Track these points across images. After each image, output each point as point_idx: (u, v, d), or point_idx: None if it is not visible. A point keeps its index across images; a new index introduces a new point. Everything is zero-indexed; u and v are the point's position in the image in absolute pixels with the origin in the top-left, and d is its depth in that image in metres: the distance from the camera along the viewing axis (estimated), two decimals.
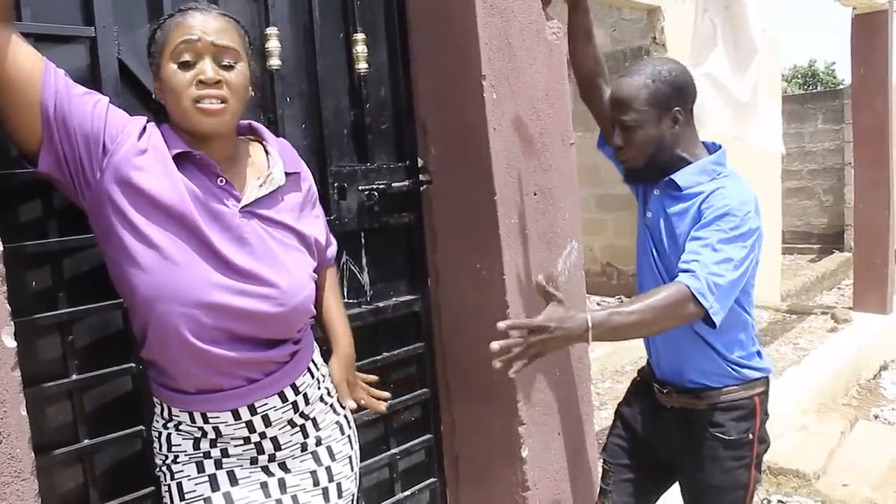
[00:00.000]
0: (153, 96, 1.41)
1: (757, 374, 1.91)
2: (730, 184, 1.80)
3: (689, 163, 1.86)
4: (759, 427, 1.90)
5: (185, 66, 1.31)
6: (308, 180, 1.54)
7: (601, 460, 2.14)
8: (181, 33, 1.31)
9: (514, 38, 2.13)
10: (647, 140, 1.83)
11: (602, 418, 4.09)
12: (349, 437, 1.59)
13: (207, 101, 1.32)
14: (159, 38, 1.34)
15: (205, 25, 1.32)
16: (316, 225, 1.54)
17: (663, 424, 1.97)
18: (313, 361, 1.53)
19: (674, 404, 1.93)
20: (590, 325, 1.60)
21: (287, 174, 1.46)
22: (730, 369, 1.88)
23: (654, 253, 1.91)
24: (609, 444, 2.10)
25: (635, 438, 2.04)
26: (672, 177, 1.85)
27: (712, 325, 1.68)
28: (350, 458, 1.58)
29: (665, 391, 1.94)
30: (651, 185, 1.94)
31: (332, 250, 1.69)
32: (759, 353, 1.94)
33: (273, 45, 1.83)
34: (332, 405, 1.57)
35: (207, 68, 1.31)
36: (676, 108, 1.83)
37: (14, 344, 1.16)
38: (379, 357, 2.14)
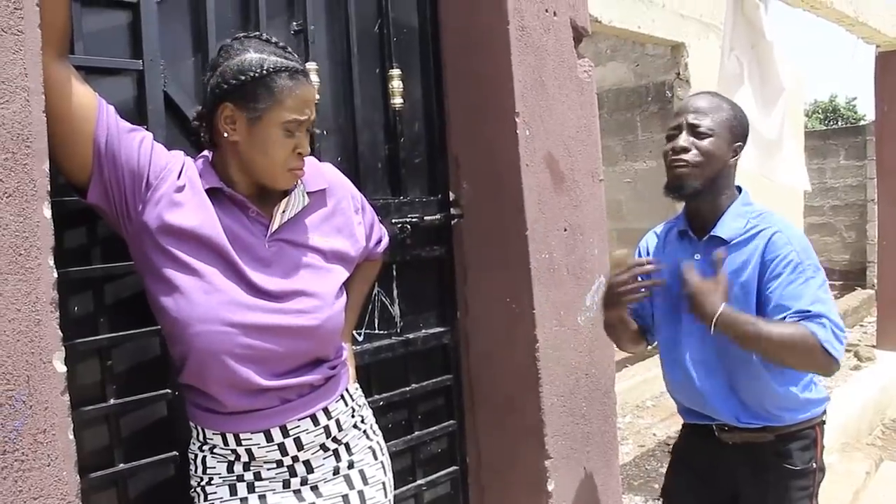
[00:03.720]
0: (219, 135, 1.39)
1: (817, 404, 1.91)
2: (777, 226, 1.82)
3: (727, 205, 1.87)
4: (819, 456, 1.91)
5: (288, 134, 1.37)
6: (336, 194, 1.56)
7: (659, 502, 2.11)
8: (296, 108, 1.36)
9: (547, 76, 2.17)
10: (714, 152, 1.81)
11: (622, 453, 4.07)
12: (382, 462, 1.60)
13: (297, 169, 1.41)
14: (262, 94, 1.34)
15: (311, 99, 1.40)
16: (353, 233, 1.57)
17: (726, 460, 1.92)
18: (347, 391, 1.55)
19: (736, 440, 1.89)
20: (719, 312, 1.71)
21: (310, 193, 1.50)
22: (795, 402, 1.87)
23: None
24: (670, 487, 2.09)
25: (699, 480, 1.99)
26: (714, 233, 1.85)
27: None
28: (384, 483, 1.59)
29: (727, 429, 1.89)
30: (685, 253, 1.92)
31: (382, 244, 1.74)
32: (814, 382, 1.93)
33: (312, 79, 1.86)
34: (365, 431, 1.59)
35: (306, 143, 1.41)
36: (739, 143, 1.88)
37: (64, 369, 1.20)
38: (408, 388, 2.15)
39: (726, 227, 1.84)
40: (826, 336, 1.66)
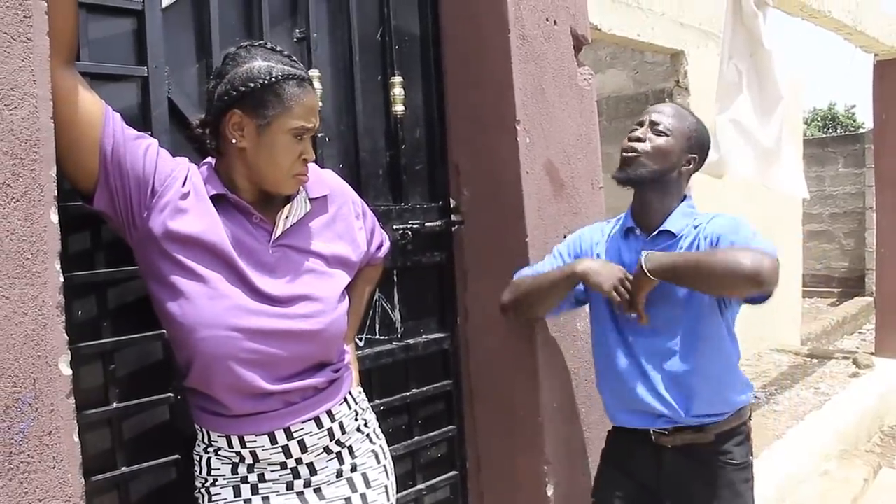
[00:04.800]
0: (225, 141, 1.41)
1: (749, 387, 1.98)
2: (720, 216, 1.91)
3: (674, 206, 1.94)
4: (752, 449, 1.98)
5: (295, 140, 1.39)
6: (337, 201, 1.58)
7: None
8: (303, 115, 1.38)
9: (548, 84, 2.19)
10: (667, 152, 1.90)
11: None
12: (385, 466, 1.62)
13: (303, 174, 1.43)
14: (272, 101, 1.36)
15: (316, 107, 1.43)
16: (354, 239, 1.59)
17: (668, 465, 1.93)
18: (351, 394, 1.57)
19: (676, 443, 1.91)
20: (643, 260, 1.77)
21: (312, 199, 1.52)
22: (741, 382, 1.95)
23: (669, 312, 1.88)
24: (603, 496, 2.05)
25: (637, 487, 1.99)
26: (664, 227, 1.91)
27: (767, 295, 1.73)
28: (386, 487, 1.60)
29: (667, 433, 1.91)
30: (631, 250, 1.96)
31: (383, 249, 1.76)
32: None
33: (315, 86, 1.88)
34: (368, 435, 1.60)
35: (311, 150, 1.44)
36: (694, 156, 1.96)
37: (70, 372, 1.21)
38: (408, 393, 2.17)
39: (674, 223, 1.92)
40: (758, 246, 1.71)
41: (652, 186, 1.91)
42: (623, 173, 1.92)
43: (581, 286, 1.98)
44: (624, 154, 1.92)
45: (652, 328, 1.89)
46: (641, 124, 1.94)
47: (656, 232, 1.93)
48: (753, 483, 1.98)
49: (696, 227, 1.90)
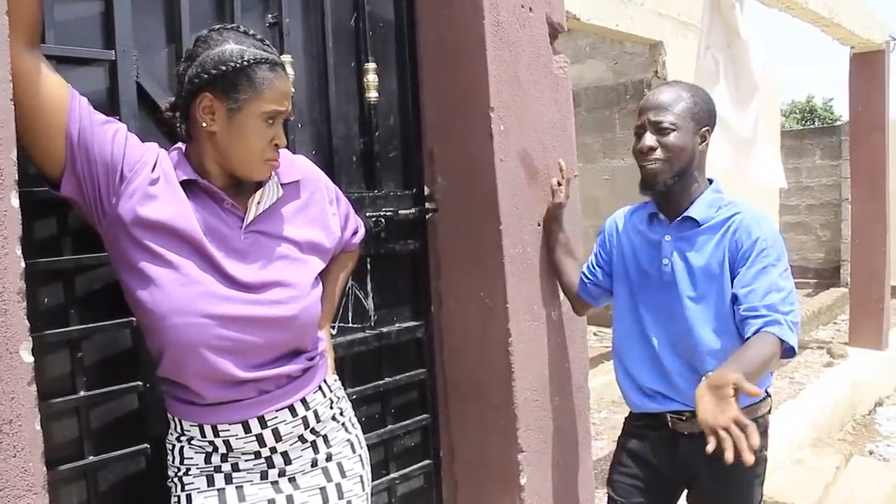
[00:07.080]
0: (195, 125, 1.39)
1: (765, 391, 1.95)
2: (748, 211, 1.88)
3: (698, 193, 1.91)
4: (767, 444, 1.97)
5: (266, 125, 1.38)
6: (310, 186, 1.57)
7: (607, 496, 2.09)
8: (275, 99, 1.37)
9: (522, 72, 2.18)
10: (681, 146, 1.85)
11: (598, 448, 4.09)
12: (360, 456, 1.61)
13: (274, 160, 1.42)
14: (243, 85, 1.34)
15: (288, 91, 1.41)
16: (327, 224, 1.58)
17: (683, 451, 1.93)
18: (326, 382, 1.56)
19: (693, 430, 1.88)
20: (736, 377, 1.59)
21: (284, 184, 1.51)
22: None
23: (687, 300, 1.89)
24: (618, 481, 2.06)
25: (651, 472, 2.00)
26: (688, 214, 1.89)
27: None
28: (361, 476, 1.60)
29: (685, 418, 1.91)
30: (654, 234, 1.97)
31: (358, 236, 1.75)
32: None
33: (287, 72, 1.86)
34: (344, 424, 1.59)
35: (282, 134, 1.42)
36: (706, 128, 1.91)
37: (31, 359, 1.19)
38: (381, 382, 2.16)
39: (698, 210, 1.89)
40: (783, 333, 1.72)
41: (683, 175, 1.88)
42: (649, 189, 1.90)
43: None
44: (643, 168, 1.88)
45: (671, 321, 1.90)
46: (643, 128, 1.88)
47: (680, 218, 1.91)
48: (763, 479, 1.97)
49: (724, 222, 1.87)
